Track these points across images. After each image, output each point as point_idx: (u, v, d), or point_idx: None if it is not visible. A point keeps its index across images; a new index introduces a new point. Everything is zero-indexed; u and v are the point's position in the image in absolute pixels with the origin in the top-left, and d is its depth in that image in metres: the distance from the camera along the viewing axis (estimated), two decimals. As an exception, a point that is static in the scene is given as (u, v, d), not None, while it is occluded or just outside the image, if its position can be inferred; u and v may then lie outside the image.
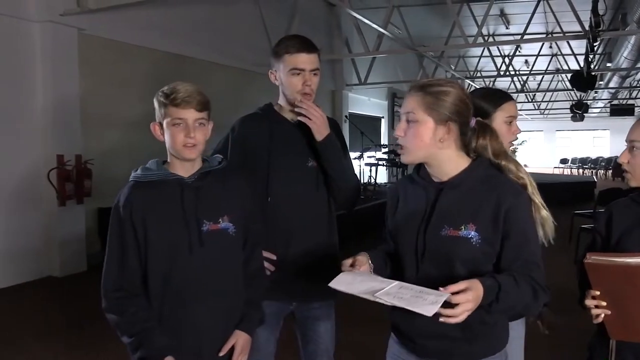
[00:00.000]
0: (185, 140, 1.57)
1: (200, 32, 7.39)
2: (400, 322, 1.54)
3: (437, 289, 1.27)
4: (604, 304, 1.43)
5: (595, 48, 7.77)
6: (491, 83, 17.52)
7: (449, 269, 1.43)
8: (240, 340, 1.67)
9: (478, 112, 1.76)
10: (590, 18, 6.48)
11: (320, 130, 1.94)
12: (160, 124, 1.61)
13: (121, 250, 1.60)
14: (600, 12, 6.48)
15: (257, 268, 1.78)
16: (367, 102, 13.30)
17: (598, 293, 1.43)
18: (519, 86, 17.20)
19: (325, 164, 1.99)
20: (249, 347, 1.71)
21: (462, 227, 1.41)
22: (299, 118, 1.95)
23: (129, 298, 1.59)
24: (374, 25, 7.60)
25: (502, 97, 1.89)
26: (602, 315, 1.44)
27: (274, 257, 1.94)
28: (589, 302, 1.44)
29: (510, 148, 1.90)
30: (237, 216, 1.67)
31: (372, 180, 9.96)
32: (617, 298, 1.42)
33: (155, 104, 1.61)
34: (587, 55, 8.96)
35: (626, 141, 1.57)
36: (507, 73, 14.84)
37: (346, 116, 11.16)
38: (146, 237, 1.58)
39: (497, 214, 1.40)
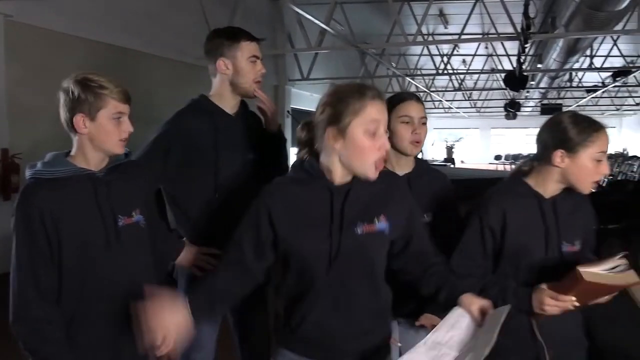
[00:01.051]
0: (122, 135, 1.54)
1: (138, 23, 7.16)
2: (314, 332, 1.47)
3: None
4: (578, 304, 1.50)
5: (527, 49, 8.13)
6: (430, 81, 17.97)
7: (369, 265, 1.47)
8: None
9: None
10: (522, 20, 6.77)
11: (274, 121, 2.01)
12: (88, 116, 1.51)
13: (31, 256, 1.49)
14: (531, 15, 6.79)
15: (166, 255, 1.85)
16: (309, 98, 13.31)
17: (574, 299, 1.49)
18: (456, 84, 17.72)
19: (274, 154, 2.03)
20: None
21: (375, 219, 1.45)
22: (259, 105, 2.00)
23: (43, 313, 1.48)
24: (316, 21, 7.62)
25: (398, 99, 1.94)
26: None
27: (218, 252, 1.91)
28: (568, 305, 1.50)
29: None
30: (144, 208, 1.66)
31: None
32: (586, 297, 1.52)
33: (81, 93, 1.50)
34: (519, 56, 9.35)
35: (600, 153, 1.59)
36: (446, 72, 15.24)
37: (288, 111, 11.14)
38: (59, 237, 1.49)
39: (404, 207, 1.52)
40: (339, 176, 1.45)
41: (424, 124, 1.91)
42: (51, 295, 1.52)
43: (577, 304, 1.50)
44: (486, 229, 1.66)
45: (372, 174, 1.41)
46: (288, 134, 12.39)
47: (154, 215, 1.79)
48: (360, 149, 1.39)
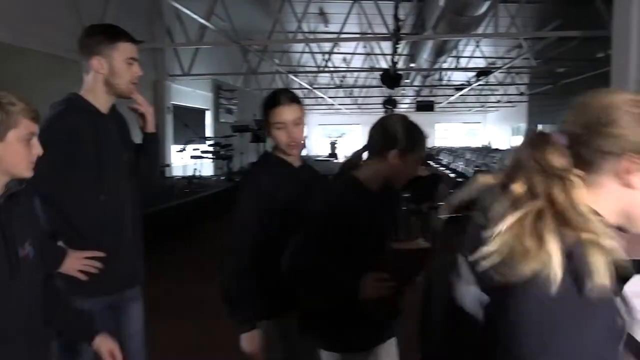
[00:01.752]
0: (33, 157, 1.38)
1: (3, 12, 6.57)
2: None
3: None
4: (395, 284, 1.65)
5: (399, 49, 8.66)
6: (313, 78, 18.40)
7: None
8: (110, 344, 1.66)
9: None
10: (394, 22, 7.24)
11: (152, 122, 2.01)
12: None
13: None
14: (402, 18, 7.28)
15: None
16: (191, 94, 13.03)
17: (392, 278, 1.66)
18: (338, 82, 18.31)
19: (149, 155, 2.06)
20: None
21: None
22: (136, 107, 1.98)
23: None
24: (195, 16, 7.51)
25: (272, 103, 1.90)
26: None
27: (102, 254, 1.88)
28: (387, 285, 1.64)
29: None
30: (35, 239, 1.51)
31: (198, 173, 9.85)
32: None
33: None
34: (393, 55, 9.91)
35: None
36: (327, 69, 15.69)
37: (169, 107, 10.84)
38: None
39: None
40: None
41: (299, 124, 1.91)
42: None
43: (393, 284, 1.66)
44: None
45: None
46: (169, 131, 11.95)
47: (44, 240, 1.66)
48: None
